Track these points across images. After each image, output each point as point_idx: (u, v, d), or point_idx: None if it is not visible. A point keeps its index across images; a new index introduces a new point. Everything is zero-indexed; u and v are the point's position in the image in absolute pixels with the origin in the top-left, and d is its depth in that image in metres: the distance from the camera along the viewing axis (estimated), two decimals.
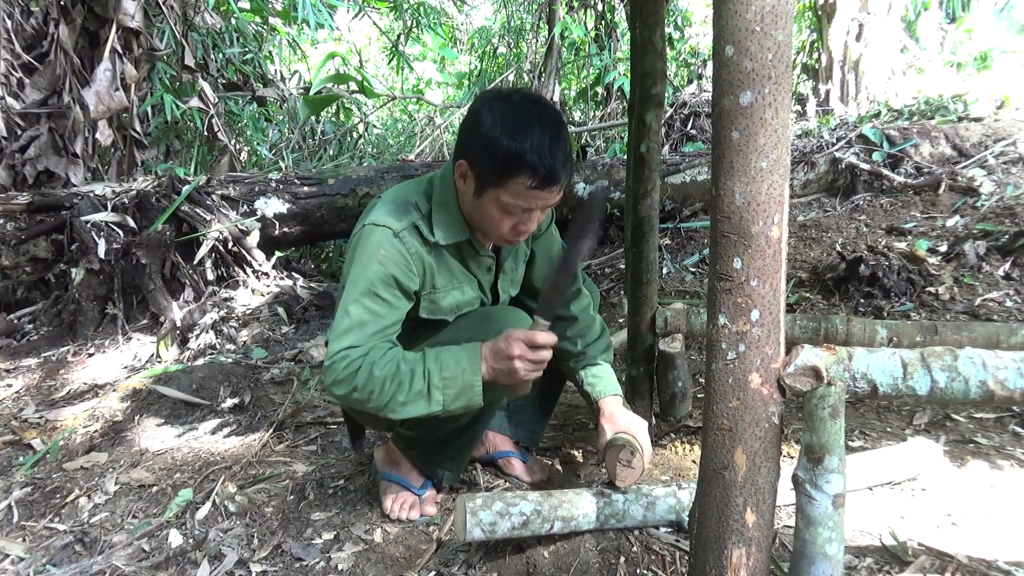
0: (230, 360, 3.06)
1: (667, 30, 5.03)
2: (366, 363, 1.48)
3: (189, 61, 4.83)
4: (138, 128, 4.68)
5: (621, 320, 3.31)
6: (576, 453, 2.14)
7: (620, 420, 1.77)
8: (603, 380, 1.86)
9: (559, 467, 2.07)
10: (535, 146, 1.44)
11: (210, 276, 3.77)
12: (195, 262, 3.74)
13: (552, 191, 1.50)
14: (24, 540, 1.84)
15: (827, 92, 5.98)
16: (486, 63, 8.19)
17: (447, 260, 1.66)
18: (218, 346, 3.27)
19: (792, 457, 1.96)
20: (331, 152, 6.61)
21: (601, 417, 1.80)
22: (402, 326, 1.66)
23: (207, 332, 3.32)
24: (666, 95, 2.34)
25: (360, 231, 1.61)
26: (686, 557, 1.54)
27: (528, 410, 2.07)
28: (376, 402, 1.49)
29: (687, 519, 1.61)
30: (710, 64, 1.24)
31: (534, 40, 7.45)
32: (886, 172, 4.27)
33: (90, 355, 3.32)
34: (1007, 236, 3.28)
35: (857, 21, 5.81)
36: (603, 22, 6.74)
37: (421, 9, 6.67)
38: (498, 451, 2.02)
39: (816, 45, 6.13)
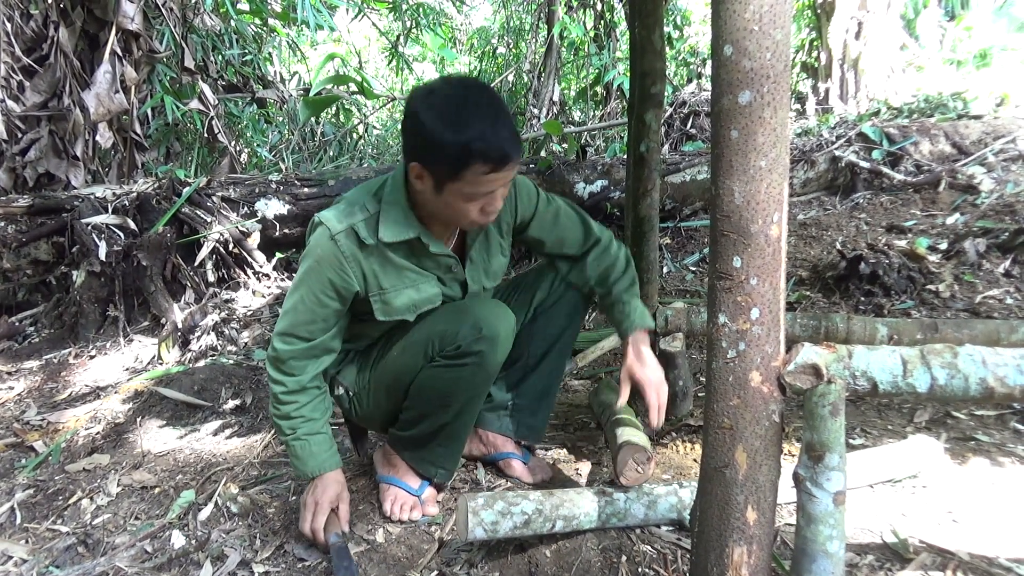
0: (231, 361, 3.06)
1: (666, 29, 5.03)
2: (279, 384, 1.69)
3: (189, 63, 4.83)
4: (138, 130, 4.68)
5: None
6: (577, 453, 2.14)
7: (638, 371, 1.79)
8: (630, 317, 1.85)
9: (560, 467, 2.07)
10: (480, 134, 1.45)
11: (211, 278, 3.78)
12: (196, 264, 3.74)
13: (508, 169, 1.52)
14: (27, 542, 1.84)
15: (826, 90, 5.99)
16: (485, 63, 8.19)
17: (393, 260, 1.66)
18: (219, 347, 3.28)
19: (793, 455, 1.96)
20: (331, 153, 6.62)
21: (627, 359, 1.82)
22: (374, 329, 1.75)
23: (208, 334, 3.32)
24: (665, 94, 2.34)
25: (311, 221, 1.68)
26: (688, 555, 1.55)
27: (528, 405, 2.06)
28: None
29: (688, 517, 1.61)
30: (709, 63, 1.25)
31: (533, 40, 7.44)
32: (886, 170, 4.27)
33: (91, 357, 3.32)
34: (1007, 233, 3.28)
35: (856, 19, 5.81)
36: (602, 22, 6.73)
37: (420, 10, 6.66)
38: (498, 452, 2.02)
39: (815, 43, 6.13)
